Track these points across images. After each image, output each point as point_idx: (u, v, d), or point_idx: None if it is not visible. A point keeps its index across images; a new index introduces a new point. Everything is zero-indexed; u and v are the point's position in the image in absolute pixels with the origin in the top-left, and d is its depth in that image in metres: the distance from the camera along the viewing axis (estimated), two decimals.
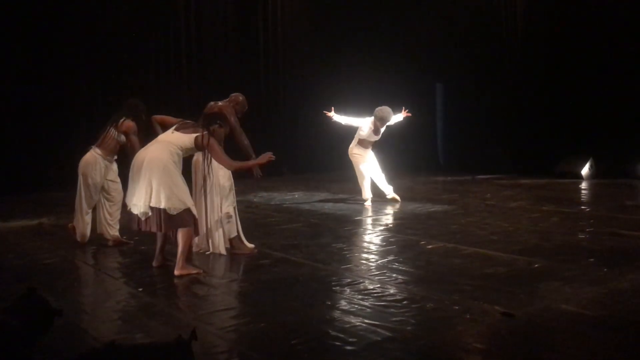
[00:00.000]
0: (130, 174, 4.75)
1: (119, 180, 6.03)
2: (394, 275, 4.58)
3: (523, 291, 4.02)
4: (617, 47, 11.29)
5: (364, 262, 5.12)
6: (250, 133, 5.91)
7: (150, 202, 4.58)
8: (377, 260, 5.10)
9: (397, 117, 8.59)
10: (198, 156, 5.37)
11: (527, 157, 12.63)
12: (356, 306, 3.82)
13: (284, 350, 3.13)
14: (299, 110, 14.35)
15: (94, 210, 6.00)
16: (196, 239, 5.30)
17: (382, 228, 6.84)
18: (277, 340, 3.28)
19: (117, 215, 6.01)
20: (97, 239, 6.00)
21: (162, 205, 4.57)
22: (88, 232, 5.97)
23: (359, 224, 7.23)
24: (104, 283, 4.78)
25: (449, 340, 3.25)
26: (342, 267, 4.91)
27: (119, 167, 6.08)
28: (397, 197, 8.58)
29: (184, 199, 4.66)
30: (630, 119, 11.06)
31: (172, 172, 4.63)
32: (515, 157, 12.93)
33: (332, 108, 8.57)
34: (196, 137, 4.76)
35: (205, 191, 5.37)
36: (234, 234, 5.45)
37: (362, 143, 8.45)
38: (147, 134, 5.29)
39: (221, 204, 5.37)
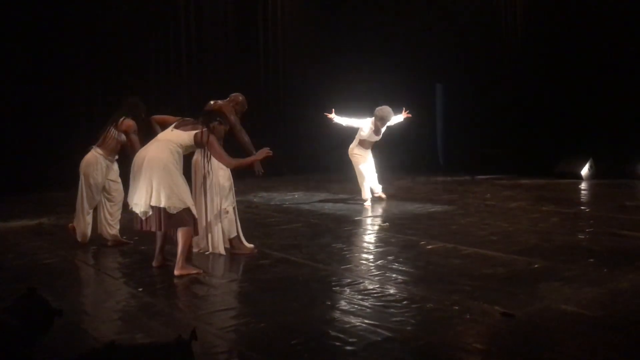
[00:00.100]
0: (131, 174, 4.76)
1: (120, 180, 6.03)
2: (394, 275, 4.58)
3: (523, 291, 4.02)
4: (617, 47, 11.29)
5: (364, 262, 5.12)
6: (250, 133, 5.91)
7: (150, 201, 4.59)
8: (377, 260, 5.10)
9: (398, 118, 8.58)
10: (198, 156, 5.37)
11: (527, 157, 12.63)
12: (356, 306, 3.82)
13: (284, 350, 3.13)
14: (299, 110, 14.34)
15: (95, 210, 6.00)
16: (196, 239, 5.30)
17: (382, 228, 6.83)
18: (277, 340, 3.28)
19: (118, 215, 6.01)
20: (98, 239, 6.00)
21: (162, 204, 4.58)
22: (89, 232, 5.97)
23: (358, 224, 7.23)
24: (104, 283, 4.79)
25: (449, 340, 3.25)
26: (342, 267, 4.91)
27: (119, 167, 6.09)
28: (384, 196, 8.78)
29: (184, 198, 4.66)
30: (630, 119, 11.06)
31: (173, 171, 4.63)
32: (515, 157, 12.93)
33: (333, 110, 8.56)
34: (195, 134, 4.76)
35: (205, 191, 5.37)
36: (234, 234, 5.44)
37: (363, 144, 8.45)
38: (147, 134, 5.29)
39: (221, 203, 5.37)
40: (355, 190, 8.87)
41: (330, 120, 8.55)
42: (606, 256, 4.98)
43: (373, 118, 8.26)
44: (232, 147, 5.34)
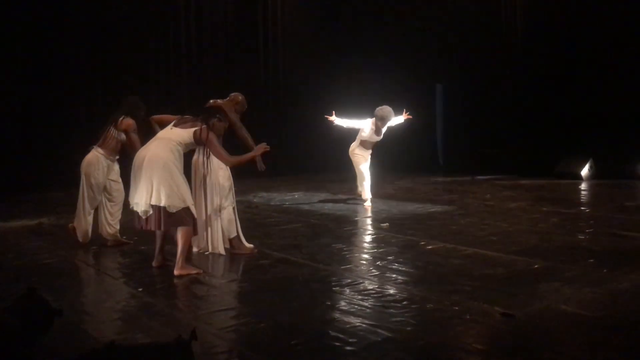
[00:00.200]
0: (132, 173, 4.76)
1: (120, 180, 6.03)
2: (394, 275, 4.58)
3: (523, 292, 4.02)
4: (617, 47, 11.28)
5: (364, 262, 5.12)
6: (250, 133, 5.90)
7: (151, 200, 4.59)
8: (377, 261, 5.09)
9: (398, 119, 8.57)
10: (198, 155, 5.37)
11: (527, 157, 12.62)
12: (356, 306, 3.82)
13: (284, 350, 3.13)
14: (299, 110, 14.33)
15: (95, 210, 6.00)
16: (195, 239, 5.30)
17: (382, 228, 6.83)
18: (277, 340, 3.28)
19: (118, 215, 6.01)
20: (98, 239, 6.00)
21: (163, 203, 4.59)
22: (90, 231, 5.97)
23: (358, 224, 7.23)
24: (104, 283, 4.79)
25: (449, 340, 3.25)
26: (342, 267, 4.91)
27: (120, 167, 6.08)
28: (366, 198, 8.45)
29: (184, 197, 4.66)
30: (630, 119, 11.04)
31: (173, 170, 4.64)
32: (515, 157, 12.92)
33: (333, 112, 8.52)
34: (195, 131, 4.76)
35: (205, 191, 5.37)
36: (234, 234, 5.44)
37: (364, 144, 8.45)
38: (147, 133, 5.29)
39: (221, 203, 5.37)
40: (355, 190, 8.87)
41: (331, 122, 8.53)
42: (606, 256, 4.98)
43: (373, 118, 8.26)
44: (231, 146, 5.34)
